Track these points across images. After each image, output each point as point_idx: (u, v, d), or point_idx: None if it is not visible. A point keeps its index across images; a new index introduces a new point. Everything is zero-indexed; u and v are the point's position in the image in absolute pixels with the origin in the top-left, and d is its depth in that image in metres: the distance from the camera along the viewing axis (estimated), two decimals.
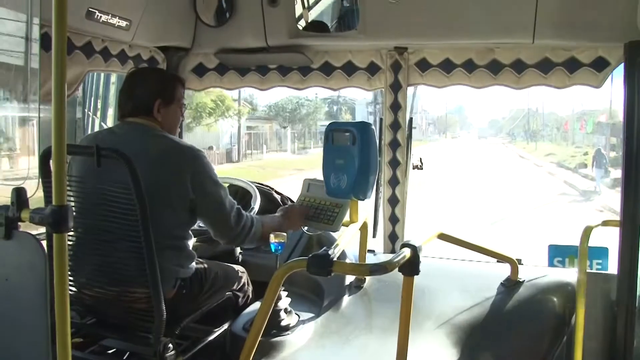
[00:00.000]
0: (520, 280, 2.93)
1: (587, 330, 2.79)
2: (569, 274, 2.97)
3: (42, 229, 1.64)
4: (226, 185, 3.40)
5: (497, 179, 26.44)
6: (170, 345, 2.27)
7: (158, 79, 2.54)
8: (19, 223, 1.72)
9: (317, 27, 3.45)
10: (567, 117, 59.97)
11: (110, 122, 4.34)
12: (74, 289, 2.40)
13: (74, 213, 1.91)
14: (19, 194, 1.74)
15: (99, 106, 4.11)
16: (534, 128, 68.28)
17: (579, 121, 52.59)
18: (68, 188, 1.69)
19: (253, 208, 3.03)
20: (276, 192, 3.46)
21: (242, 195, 3.37)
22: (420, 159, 3.53)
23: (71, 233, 2.34)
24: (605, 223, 2.91)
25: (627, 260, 2.66)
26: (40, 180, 2.29)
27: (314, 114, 47.70)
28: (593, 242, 2.90)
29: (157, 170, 2.29)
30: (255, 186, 3.27)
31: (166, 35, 3.26)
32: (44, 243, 1.70)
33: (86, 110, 3.98)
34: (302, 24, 3.43)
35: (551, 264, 3.26)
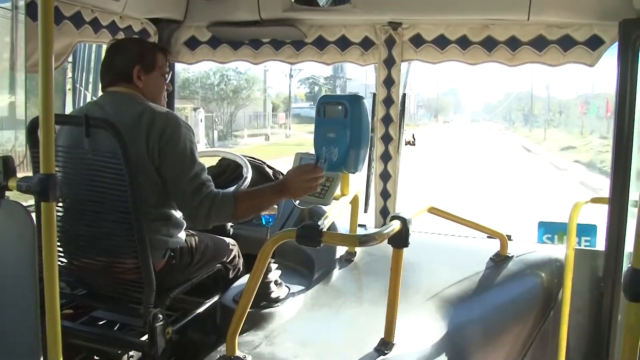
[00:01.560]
0: (510, 255, 2.95)
1: (573, 305, 2.82)
2: (558, 250, 2.99)
3: (32, 201, 1.64)
4: (218, 158, 3.43)
5: (502, 191, 15.98)
6: (160, 316, 2.26)
7: (136, 47, 2.50)
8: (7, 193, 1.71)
9: (310, 0, 3.40)
10: (569, 101, 54.61)
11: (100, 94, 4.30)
12: (63, 260, 2.39)
13: (62, 184, 1.89)
14: (6, 163, 1.72)
15: (91, 79, 4.06)
16: (535, 112, 61.67)
17: (587, 104, 44.68)
18: (56, 158, 1.67)
19: (246, 178, 3.02)
20: (268, 166, 3.46)
21: (233, 169, 3.37)
22: (413, 134, 3.52)
23: (60, 204, 2.32)
24: (595, 200, 2.92)
25: (614, 237, 2.67)
26: (27, 149, 2.27)
27: (247, 90, 37.22)
28: (582, 219, 2.92)
29: (133, 136, 2.24)
30: (248, 160, 3.25)
31: (158, 7, 3.21)
32: (34, 215, 1.69)
33: (77, 85, 3.94)
34: None
35: (540, 240, 3.29)
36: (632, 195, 2.62)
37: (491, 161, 25.42)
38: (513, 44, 3.12)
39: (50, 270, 1.50)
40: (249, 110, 40.10)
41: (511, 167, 22.99)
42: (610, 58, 2.92)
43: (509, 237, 3.01)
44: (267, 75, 40.53)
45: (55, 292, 1.50)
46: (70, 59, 3.68)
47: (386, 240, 2.00)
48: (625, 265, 2.62)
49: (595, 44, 2.99)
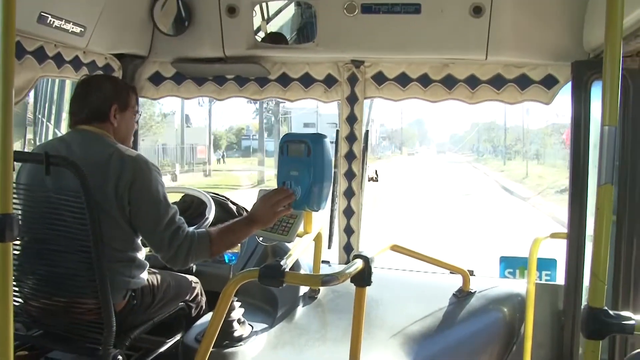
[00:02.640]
0: (472, 291, 2.98)
1: (535, 339, 2.85)
2: (519, 285, 3.03)
3: None
4: (181, 195, 3.40)
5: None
6: (120, 357, 2.21)
7: (113, 85, 2.50)
8: None
9: (275, 38, 3.45)
10: (540, 130, 48.17)
11: (64, 128, 4.23)
12: (19, 300, 2.33)
13: (20, 222, 1.85)
14: None
15: (53, 112, 4.01)
16: (504, 142, 57.36)
17: (559, 134, 40.04)
18: (15, 196, 1.63)
19: (207, 218, 2.99)
20: (232, 202, 3.43)
21: (197, 205, 3.33)
22: (376, 171, 3.55)
23: (17, 242, 2.26)
24: (553, 235, 2.97)
25: (573, 271, 2.73)
26: None
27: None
28: (543, 254, 2.97)
29: (100, 178, 2.22)
30: (211, 196, 3.23)
31: (122, 43, 3.20)
32: None
33: (39, 116, 3.88)
34: (260, 35, 3.42)
35: (502, 275, 3.31)
36: (589, 230, 2.68)
37: (467, 206, 19.74)
38: (472, 82, 3.20)
39: (4, 312, 1.45)
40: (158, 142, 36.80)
41: (494, 221, 16.00)
42: (565, 96, 3.00)
43: (471, 273, 3.05)
44: (184, 104, 36.73)
45: (9, 334, 1.46)
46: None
47: (349, 280, 1.99)
48: (584, 299, 2.67)
49: (550, 83, 3.10)
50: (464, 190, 26.75)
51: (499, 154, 57.44)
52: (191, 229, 2.36)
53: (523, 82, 3.13)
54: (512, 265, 3.29)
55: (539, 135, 48.20)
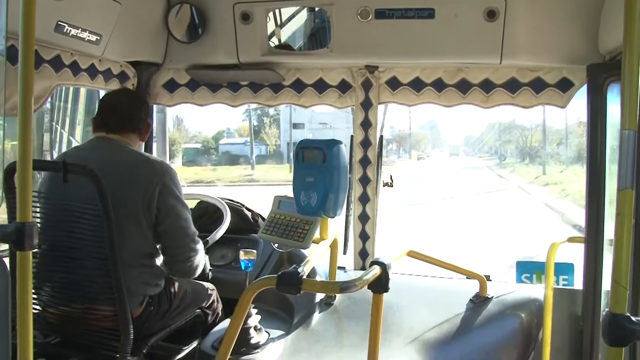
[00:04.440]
0: (489, 296, 2.95)
1: (554, 345, 2.82)
2: (537, 290, 3.00)
3: (5, 245, 1.60)
4: (196, 201, 3.41)
5: None
6: None
7: (142, 100, 2.70)
8: None
9: (288, 46, 3.45)
10: (569, 128, 39.53)
11: (78, 135, 4.26)
12: (37, 307, 2.35)
13: (39, 229, 1.87)
14: None
15: (67, 119, 4.04)
16: (530, 144, 48.97)
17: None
18: (33, 204, 1.65)
19: (222, 225, 3.00)
20: (247, 208, 3.44)
21: (212, 212, 3.35)
22: (391, 176, 3.54)
23: (35, 250, 2.28)
24: (571, 240, 2.95)
25: (591, 276, 2.69)
26: (3, 195, 2.24)
27: None
28: (560, 258, 2.94)
29: (126, 184, 2.28)
30: (226, 203, 3.23)
31: (137, 50, 3.22)
32: (7, 260, 1.65)
33: (54, 124, 3.91)
34: (274, 41, 3.43)
35: (519, 280, 3.28)
36: (608, 234, 2.65)
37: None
38: (487, 86, 3.18)
39: (24, 321, 1.46)
40: None
41: None
42: (580, 99, 2.97)
43: (488, 278, 3.01)
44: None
45: (29, 342, 1.47)
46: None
47: (366, 286, 1.99)
48: (603, 304, 2.64)
49: (565, 86, 3.08)
50: (501, 225, 15.73)
51: (525, 156, 48.43)
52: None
53: (538, 85, 3.11)
54: (529, 270, 3.26)
55: (573, 135, 40.05)
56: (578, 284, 2.99)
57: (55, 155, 4.08)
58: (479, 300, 2.94)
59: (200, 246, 2.41)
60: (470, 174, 39.04)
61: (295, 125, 52.94)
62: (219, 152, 49.60)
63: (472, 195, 25.11)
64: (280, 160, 49.55)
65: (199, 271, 2.44)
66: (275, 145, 51.94)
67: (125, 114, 2.51)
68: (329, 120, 42.05)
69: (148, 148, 3.48)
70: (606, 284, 2.63)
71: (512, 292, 3.01)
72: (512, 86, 3.15)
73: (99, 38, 2.81)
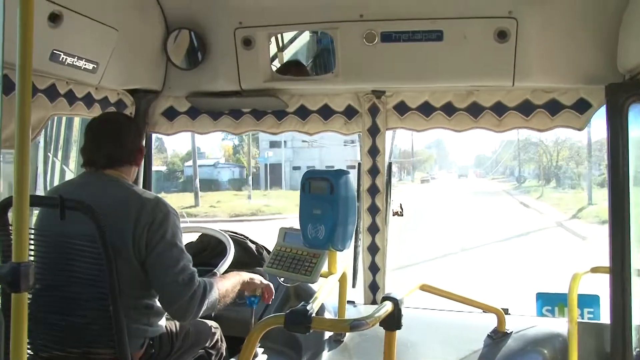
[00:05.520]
0: (508, 331, 2.90)
1: None
2: (560, 324, 2.94)
3: None
4: (198, 234, 3.38)
5: None
6: None
7: (136, 128, 2.63)
8: None
9: (292, 66, 3.46)
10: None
11: (72, 165, 4.25)
12: (29, 352, 2.30)
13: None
14: None
15: (60, 148, 4.04)
16: (557, 162, 44.06)
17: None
18: (29, 242, 1.63)
19: (227, 258, 2.97)
20: (251, 241, 3.41)
21: (214, 245, 3.33)
22: (401, 204, 3.52)
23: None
24: (595, 270, 2.88)
25: (619, 308, 2.63)
26: None
27: None
28: (583, 289, 2.88)
29: (118, 220, 2.24)
30: (229, 235, 3.21)
31: (135, 78, 3.23)
32: None
33: (49, 155, 3.91)
34: (276, 64, 3.44)
35: (540, 313, 3.23)
36: (635, 264, 2.62)
37: None
38: (499, 109, 3.18)
39: None
40: None
41: None
42: (599, 120, 2.92)
43: (506, 311, 2.97)
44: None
45: None
46: None
47: (378, 323, 1.97)
48: (635, 340, 2.59)
49: (582, 107, 3.07)
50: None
51: (551, 177, 42.62)
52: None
53: (553, 107, 3.10)
54: (550, 302, 3.21)
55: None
56: (605, 317, 2.94)
57: (47, 186, 4.07)
58: (498, 336, 2.90)
59: (196, 289, 2.29)
60: (485, 200, 34.02)
61: (273, 144, 52.34)
62: (185, 176, 48.35)
63: (497, 241, 18.25)
64: (257, 185, 47.99)
65: (203, 309, 2.33)
66: (255, 167, 50.64)
67: (124, 145, 2.47)
68: (312, 137, 40.19)
69: (147, 180, 3.48)
70: (637, 317, 2.58)
71: (533, 327, 2.96)
72: (526, 109, 3.14)
73: (95, 66, 2.81)
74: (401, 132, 3.52)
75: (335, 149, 49.32)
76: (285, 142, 53.03)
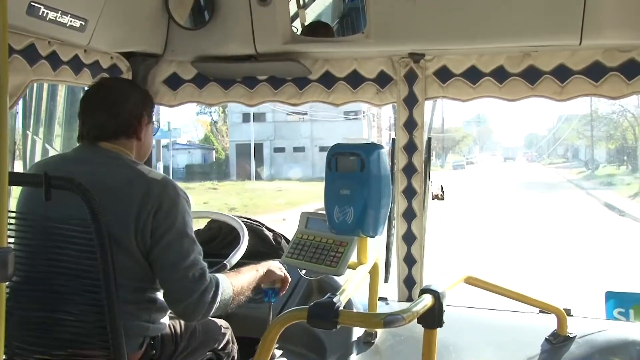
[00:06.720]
0: (571, 335, 2.83)
1: None
2: (636, 330, 2.89)
3: None
4: (207, 220, 3.36)
5: None
6: None
7: (140, 93, 2.57)
8: None
9: (316, 29, 3.40)
10: None
11: (57, 144, 4.23)
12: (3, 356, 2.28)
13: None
14: None
15: (42, 124, 4.01)
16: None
17: None
18: (8, 226, 1.60)
19: (239, 248, 2.95)
20: (267, 228, 3.42)
21: (225, 233, 3.34)
22: (441, 187, 3.47)
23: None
24: None
25: None
26: None
27: None
28: None
29: (118, 205, 2.22)
30: (243, 221, 3.18)
31: (132, 39, 3.19)
32: None
33: (28, 132, 3.89)
34: (297, 25, 3.39)
35: (610, 315, 3.17)
36: None
37: None
38: (562, 74, 3.10)
39: None
40: None
41: None
42: None
43: (568, 312, 2.91)
44: None
45: None
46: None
47: (415, 319, 1.94)
48: None
49: None
50: None
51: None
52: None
53: (631, 69, 3.01)
54: (624, 303, 3.15)
55: None
56: None
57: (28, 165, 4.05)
58: (558, 340, 2.83)
59: (208, 286, 2.28)
60: (543, 198, 26.85)
61: (248, 118, 46.29)
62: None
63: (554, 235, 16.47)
64: (225, 175, 43.84)
65: (203, 316, 2.31)
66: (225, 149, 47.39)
67: (118, 114, 2.42)
68: (301, 108, 32.56)
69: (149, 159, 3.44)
70: None
71: (602, 332, 2.90)
72: (596, 72, 3.06)
73: (83, 23, 2.76)
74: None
75: (329, 124, 45.75)
76: (265, 114, 47.98)
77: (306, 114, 43.36)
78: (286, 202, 26.21)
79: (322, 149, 44.88)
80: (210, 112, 50.46)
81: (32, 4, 2.46)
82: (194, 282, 2.26)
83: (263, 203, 26.35)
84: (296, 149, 48.14)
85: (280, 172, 44.32)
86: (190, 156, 49.13)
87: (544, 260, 13.37)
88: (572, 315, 2.94)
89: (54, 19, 2.58)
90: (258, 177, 43.04)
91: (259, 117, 46.68)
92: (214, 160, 49.75)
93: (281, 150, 48.27)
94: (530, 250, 14.56)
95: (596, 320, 3.06)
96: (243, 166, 44.61)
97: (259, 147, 46.42)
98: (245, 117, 46.30)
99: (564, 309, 2.86)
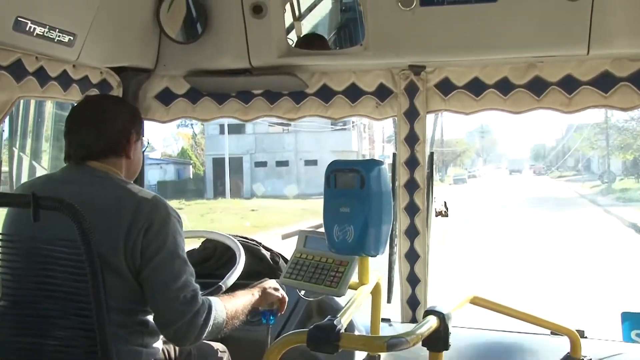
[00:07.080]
0: (585, 359, 2.79)
1: None
2: None
3: None
4: (201, 240, 3.35)
5: None
6: None
7: (128, 110, 2.58)
8: None
9: (311, 41, 3.41)
10: None
11: (45, 162, 4.22)
12: None
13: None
14: None
15: (29, 140, 4.01)
16: None
17: None
18: None
19: (236, 268, 2.94)
20: (265, 247, 3.40)
21: (221, 253, 3.32)
22: (445, 203, 3.46)
23: None
24: None
25: None
26: None
27: None
28: None
29: (107, 226, 2.21)
30: (239, 240, 3.17)
31: (122, 53, 3.20)
32: None
33: (14, 149, 3.89)
34: (292, 37, 3.40)
35: (628, 338, 3.15)
36: None
37: None
38: (569, 84, 3.10)
39: None
40: None
41: None
42: None
43: (582, 334, 2.89)
44: None
45: None
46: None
47: (420, 342, 1.93)
48: None
49: None
50: None
51: None
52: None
53: None
54: None
55: None
56: None
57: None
58: None
59: (199, 309, 2.27)
60: (554, 217, 24.62)
61: (235, 129, 43.42)
62: None
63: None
64: (199, 193, 41.47)
65: (194, 340, 2.30)
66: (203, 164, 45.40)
67: (105, 133, 2.42)
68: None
69: (139, 176, 3.44)
70: None
71: (619, 355, 2.90)
72: (605, 82, 3.06)
73: (72, 38, 2.78)
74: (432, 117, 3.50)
75: (316, 135, 44.08)
76: (244, 125, 42.97)
77: (290, 124, 41.42)
78: (253, 225, 24.24)
79: (307, 162, 44.02)
80: (192, 125, 49.66)
81: (19, 19, 2.48)
82: (185, 304, 2.25)
83: (224, 227, 24.16)
84: (279, 163, 46.01)
85: (261, 189, 42.51)
86: (163, 172, 47.75)
87: (559, 285, 12.75)
88: (586, 337, 2.93)
89: (41, 34, 2.60)
90: (236, 194, 41.01)
91: (238, 129, 44.21)
92: (191, 176, 48.50)
93: (262, 164, 46.32)
94: (543, 274, 14.15)
95: (612, 343, 3.05)
96: (221, 183, 42.84)
97: (238, 162, 44.75)
98: (223, 129, 44.11)
99: (577, 331, 2.83)
